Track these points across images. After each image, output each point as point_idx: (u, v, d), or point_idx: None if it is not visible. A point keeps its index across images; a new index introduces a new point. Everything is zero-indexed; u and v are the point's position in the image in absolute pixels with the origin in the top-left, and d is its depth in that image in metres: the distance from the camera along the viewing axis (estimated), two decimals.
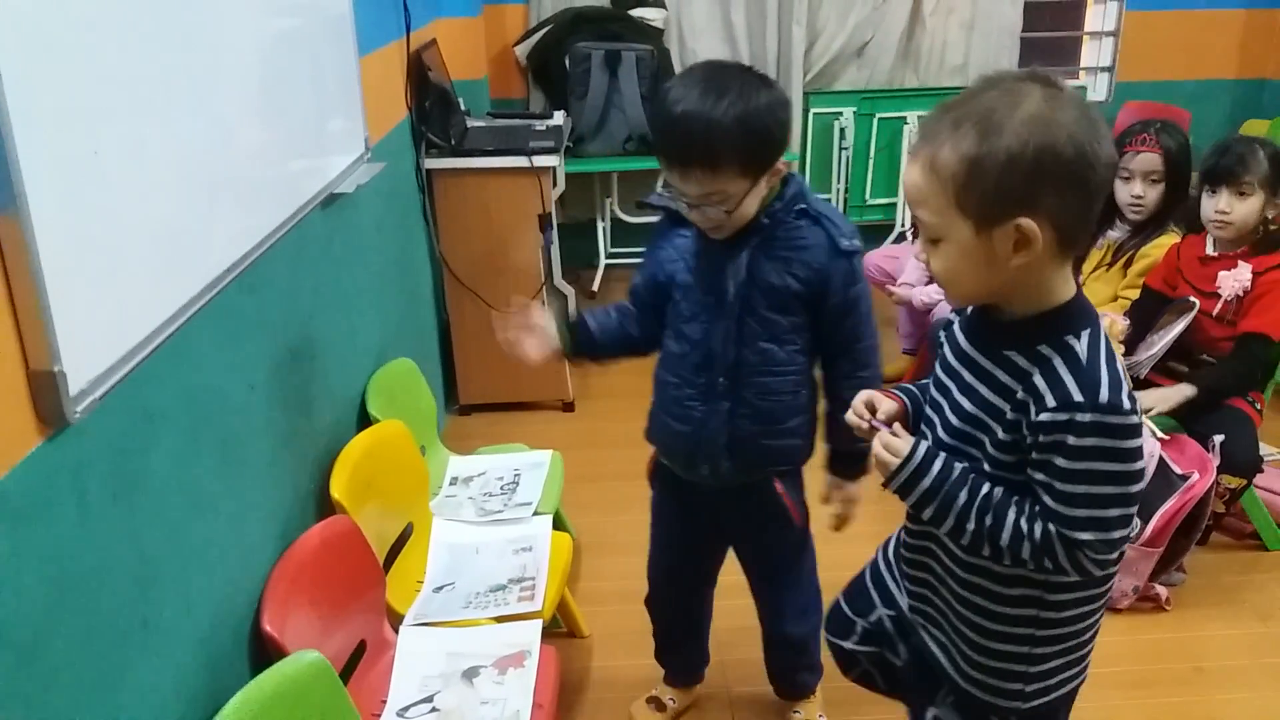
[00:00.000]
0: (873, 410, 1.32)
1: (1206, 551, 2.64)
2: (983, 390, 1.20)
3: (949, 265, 1.14)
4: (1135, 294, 2.69)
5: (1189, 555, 2.53)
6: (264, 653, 1.54)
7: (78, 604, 1.06)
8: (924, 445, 1.24)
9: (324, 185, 2.00)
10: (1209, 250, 2.56)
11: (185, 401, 1.34)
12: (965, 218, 1.09)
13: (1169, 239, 2.70)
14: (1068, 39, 5.15)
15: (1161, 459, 2.41)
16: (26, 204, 0.93)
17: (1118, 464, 1.11)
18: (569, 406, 3.58)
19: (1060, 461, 1.12)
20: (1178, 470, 2.39)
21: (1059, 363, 1.12)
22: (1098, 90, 5.04)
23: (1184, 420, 2.54)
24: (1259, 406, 2.55)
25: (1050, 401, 1.10)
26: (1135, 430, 1.12)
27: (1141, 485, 1.16)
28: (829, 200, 4.26)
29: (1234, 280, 2.45)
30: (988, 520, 1.18)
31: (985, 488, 1.19)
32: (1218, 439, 2.41)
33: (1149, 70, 4.99)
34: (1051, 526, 1.15)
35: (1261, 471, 2.52)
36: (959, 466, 1.22)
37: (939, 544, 1.32)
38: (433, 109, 3.12)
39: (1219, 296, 2.47)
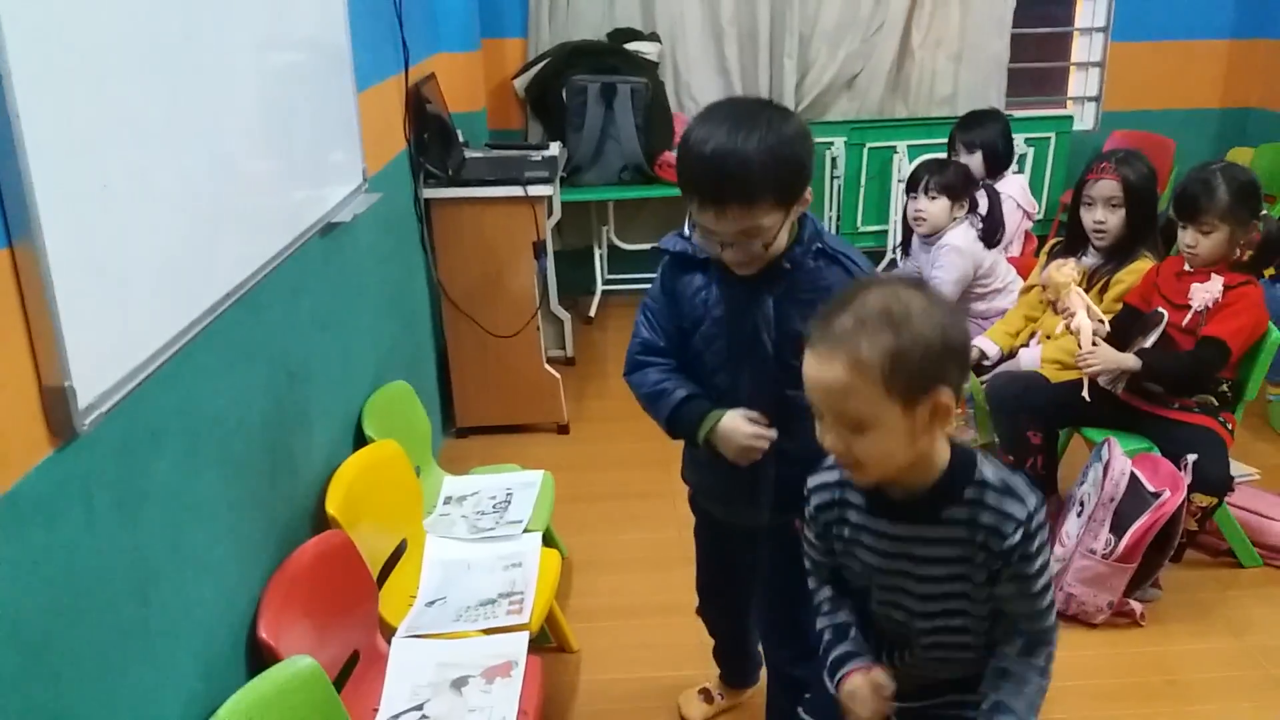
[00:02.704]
0: None
1: (1183, 569, 2.70)
2: (946, 552, 1.33)
3: (879, 447, 1.25)
4: (1110, 317, 2.77)
5: (1164, 572, 2.59)
6: (260, 660, 1.61)
7: (83, 606, 1.14)
8: None
9: (322, 215, 2.09)
10: (1187, 268, 2.64)
11: (186, 418, 1.42)
12: (894, 401, 1.21)
13: (1142, 264, 2.78)
14: (1055, 70, 5.26)
15: (1134, 476, 2.48)
16: (41, 233, 1.02)
17: (1046, 534, 1.33)
18: (564, 429, 3.65)
19: (1029, 568, 1.30)
20: (1150, 488, 2.46)
21: (990, 495, 1.30)
22: (1085, 120, 5.14)
23: (1156, 439, 2.61)
24: (1230, 427, 2.61)
25: (1007, 528, 1.28)
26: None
27: None
28: None
29: (1205, 292, 2.52)
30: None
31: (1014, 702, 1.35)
32: (1190, 458, 2.48)
33: (1135, 100, 5.09)
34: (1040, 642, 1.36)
35: (1232, 490, 2.58)
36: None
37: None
38: (431, 140, 3.23)
39: (1190, 308, 2.55)
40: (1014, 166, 3.99)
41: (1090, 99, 5.15)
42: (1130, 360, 2.56)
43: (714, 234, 1.52)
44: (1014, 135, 3.90)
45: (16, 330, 1.02)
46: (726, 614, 2.09)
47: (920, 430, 1.24)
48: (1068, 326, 2.67)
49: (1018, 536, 1.28)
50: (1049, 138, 4.80)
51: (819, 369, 1.24)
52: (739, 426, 1.60)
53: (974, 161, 3.68)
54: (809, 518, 1.47)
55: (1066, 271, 2.75)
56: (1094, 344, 2.58)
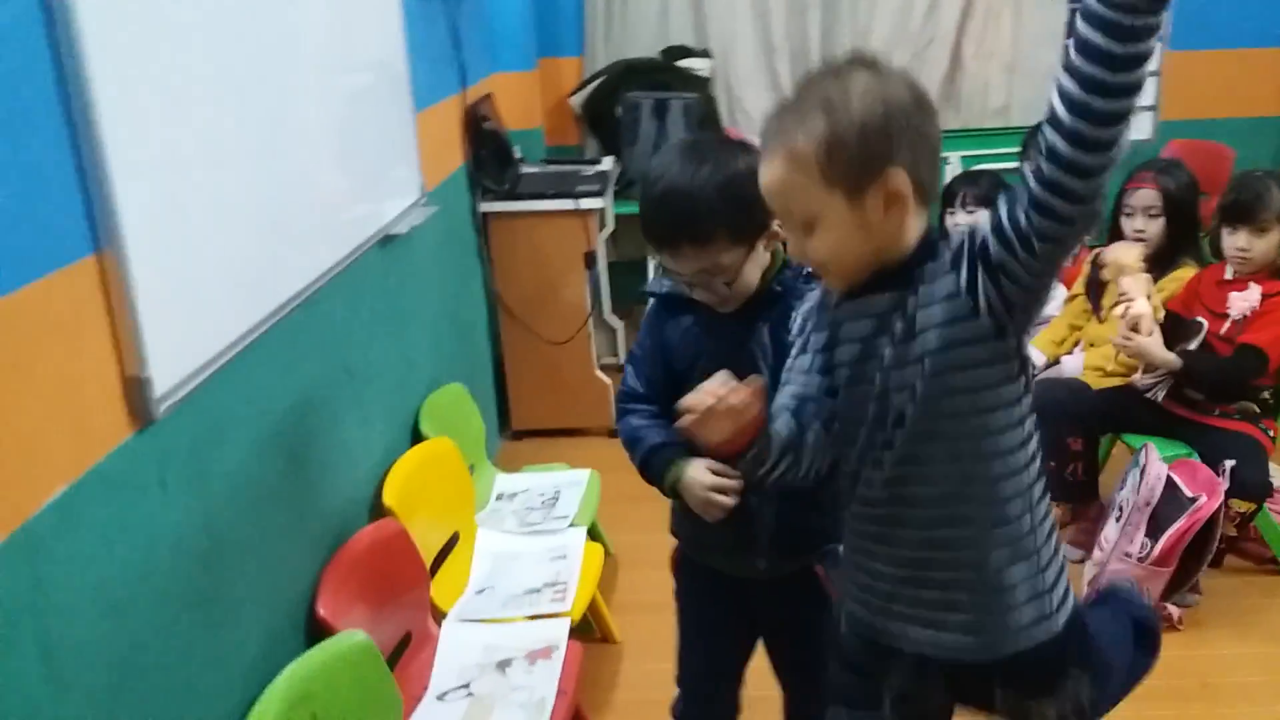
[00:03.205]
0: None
1: (1224, 575, 2.71)
2: (864, 324, 1.22)
3: (831, 245, 1.17)
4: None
5: (1204, 578, 2.60)
6: (317, 636, 1.74)
7: (159, 573, 1.28)
8: None
9: (380, 227, 2.24)
10: (1227, 275, 2.66)
11: (252, 408, 1.57)
12: (836, 190, 1.13)
13: (1184, 273, 2.81)
14: None
15: (1171, 480, 2.50)
16: (125, 243, 1.17)
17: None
18: (614, 433, 3.76)
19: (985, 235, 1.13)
20: (1188, 493, 2.48)
21: (942, 246, 1.19)
22: (1141, 129, 5.10)
23: (1196, 445, 2.63)
24: (1271, 434, 2.62)
25: (960, 245, 1.15)
26: None
27: None
28: None
29: (1243, 300, 2.55)
30: None
31: None
32: (1229, 463, 2.49)
33: (1193, 109, 5.04)
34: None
35: (1272, 496, 2.59)
36: None
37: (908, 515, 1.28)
38: (488, 157, 3.38)
39: (1229, 317, 2.57)
40: None
41: (1147, 108, 5.11)
42: (1171, 357, 2.58)
43: (677, 274, 1.48)
44: None
45: (102, 327, 1.17)
46: (717, 695, 1.83)
47: (875, 221, 1.15)
48: (1126, 311, 2.66)
49: (964, 241, 1.14)
50: None
51: (763, 172, 1.19)
52: (698, 478, 1.48)
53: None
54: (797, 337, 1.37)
55: (1134, 253, 2.75)
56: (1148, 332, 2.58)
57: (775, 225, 1.45)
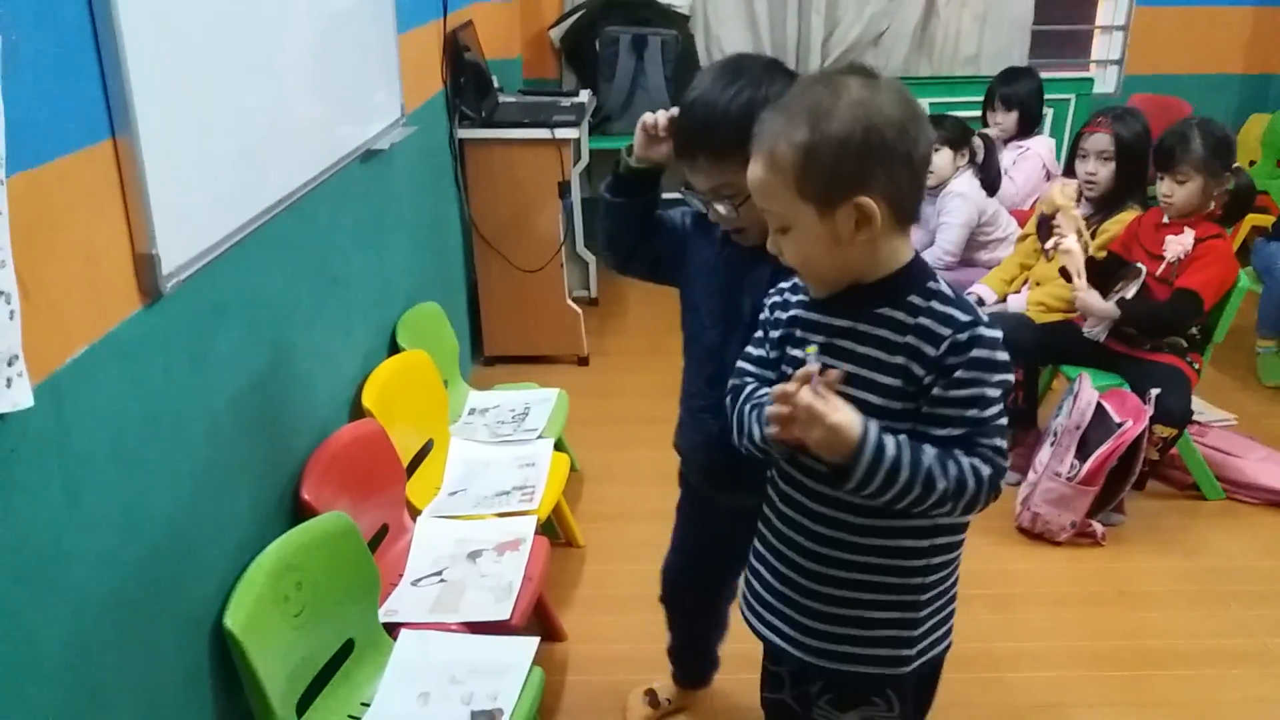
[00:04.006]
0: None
1: (1148, 498, 2.91)
2: (862, 349, 1.25)
3: (801, 251, 1.22)
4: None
5: (1129, 500, 2.81)
6: (302, 518, 1.88)
7: (162, 439, 1.41)
8: (871, 426, 1.20)
9: (363, 142, 2.34)
10: (1165, 220, 2.81)
11: (245, 299, 1.68)
12: (807, 202, 1.17)
13: (1127, 215, 2.96)
14: (1078, 32, 5.36)
15: (1101, 406, 2.69)
16: (138, 129, 1.28)
17: (1002, 373, 1.23)
18: (584, 361, 3.91)
19: (961, 374, 1.19)
20: (1116, 418, 2.66)
21: (936, 303, 1.22)
22: (1106, 83, 5.25)
23: (1128, 376, 2.81)
24: (1197, 367, 2.80)
25: (946, 331, 1.19)
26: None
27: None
28: None
29: (1177, 244, 2.71)
30: (934, 475, 1.20)
31: (916, 447, 1.21)
32: (1154, 391, 2.68)
33: (1158, 64, 5.19)
34: (971, 460, 1.21)
35: (1192, 423, 2.78)
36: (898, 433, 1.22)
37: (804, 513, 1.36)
38: (467, 84, 3.46)
39: (1164, 259, 2.73)
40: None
41: (1113, 62, 5.25)
42: (1110, 307, 2.75)
43: (694, 191, 1.50)
44: None
45: (116, 206, 1.28)
46: (694, 602, 1.99)
47: (845, 239, 1.17)
48: (1056, 245, 2.84)
49: (961, 337, 1.19)
50: (1069, 99, 4.92)
51: (750, 167, 1.22)
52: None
53: (1010, 119, 3.84)
54: (763, 320, 1.41)
55: (1069, 192, 2.92)
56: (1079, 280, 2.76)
57: None
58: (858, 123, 1.13)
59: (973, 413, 1.21)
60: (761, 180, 1.20)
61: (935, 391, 1.21)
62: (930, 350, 1.20)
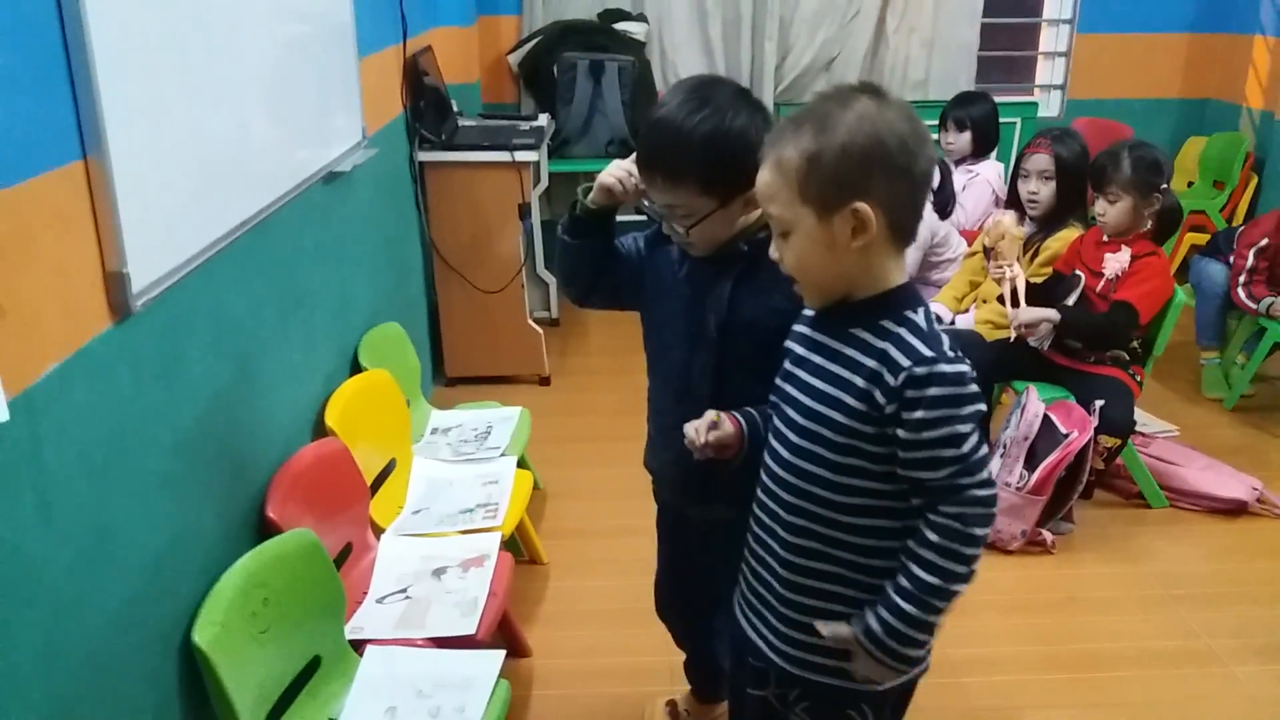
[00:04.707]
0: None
1: (1095, 508, 3.00)
2: (833, 368, 1.28)
3: (799, 255, 1.25)
4: (1038, 280, 3.05)
5: (1077, 509, 2.89)
6: (267, 535, 1.89)
7: (130, 451, 1.42)
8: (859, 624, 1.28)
9: (325, 164, 2.37)
10: (1104, 238, 2.92)
11: (211, 319, 1.70)
12: (808, 207, 1.20)
13: (1069, 233, 3.07)
14: (1022, 58, 5.53)
15: (1048, 419, 2.78)
16: (109, 150, 1.31)
17: (971, 405, 1.22)
18: (545, 381, 3.94)
19: (925, 414, 1.20)
20: (1062, 430, 2.75)
21: (905, 332, 1.23)
22: (1050, 107, 5.41)
23: (1073, 389, 2.90)
24: (1139, 379, 2.90)
25: (905, 362, 1.20)
26: (974, 381, 1.24)
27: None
28: None
29: (1115, 261, 2.82)
30: (930, 582, 1.23)
31: (905, 573, 1.25)
32: (1098, 403, 2.77)
33: (1099, 89, 5.36)
34: (945, 519, 1.22)
35: (1135, 434, 2.88)
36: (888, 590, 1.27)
37: (770, 531, 1.39)
38: (426, 107, 3.50)
39: (1104, 275, 2.84)
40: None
41: (1056, 87, 5.42)
42: (1050, 312, 2.84)
43: (650, 202, 1.52)
44: None
45: (87, 224, 1.30)
46: (686, 617, 2.00)
47: (841, 245, 1.21)
48: (1000, 272, 2.92)
49: (919, 371, 1.19)
50: (1015, 123, 5.06)
51: (759, 173, 1.25)
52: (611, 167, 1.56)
53: (962, 140, 3.93)
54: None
55: (1016, 224, 2.99)
56: (1019, 304, 2.86)
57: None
58: (861, 132, 1.18)
59: (950, 452, 1.21)
60: (767, 184, 1.24)
61: (904, 434, 1.22)
62: (890, 379, 1.22)
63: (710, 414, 1.45)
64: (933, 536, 1.23)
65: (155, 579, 1.49)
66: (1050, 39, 5.44)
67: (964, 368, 1.22)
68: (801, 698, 1.44)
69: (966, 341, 3.08)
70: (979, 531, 1.24)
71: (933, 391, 1.19)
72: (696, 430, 1.44)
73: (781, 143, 1.22)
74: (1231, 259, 3.71)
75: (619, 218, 1.65)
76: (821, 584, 1.34)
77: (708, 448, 1.44)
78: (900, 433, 1.22)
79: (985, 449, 1.25)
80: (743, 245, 1.53)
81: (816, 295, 1.30)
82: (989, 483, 1.25)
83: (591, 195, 1.59)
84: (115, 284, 1.34)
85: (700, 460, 1.47)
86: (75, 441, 1.26)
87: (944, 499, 1.23)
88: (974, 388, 1.23)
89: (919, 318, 1.25)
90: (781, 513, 1.36)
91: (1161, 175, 2.81)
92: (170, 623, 1.52)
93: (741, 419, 1.47)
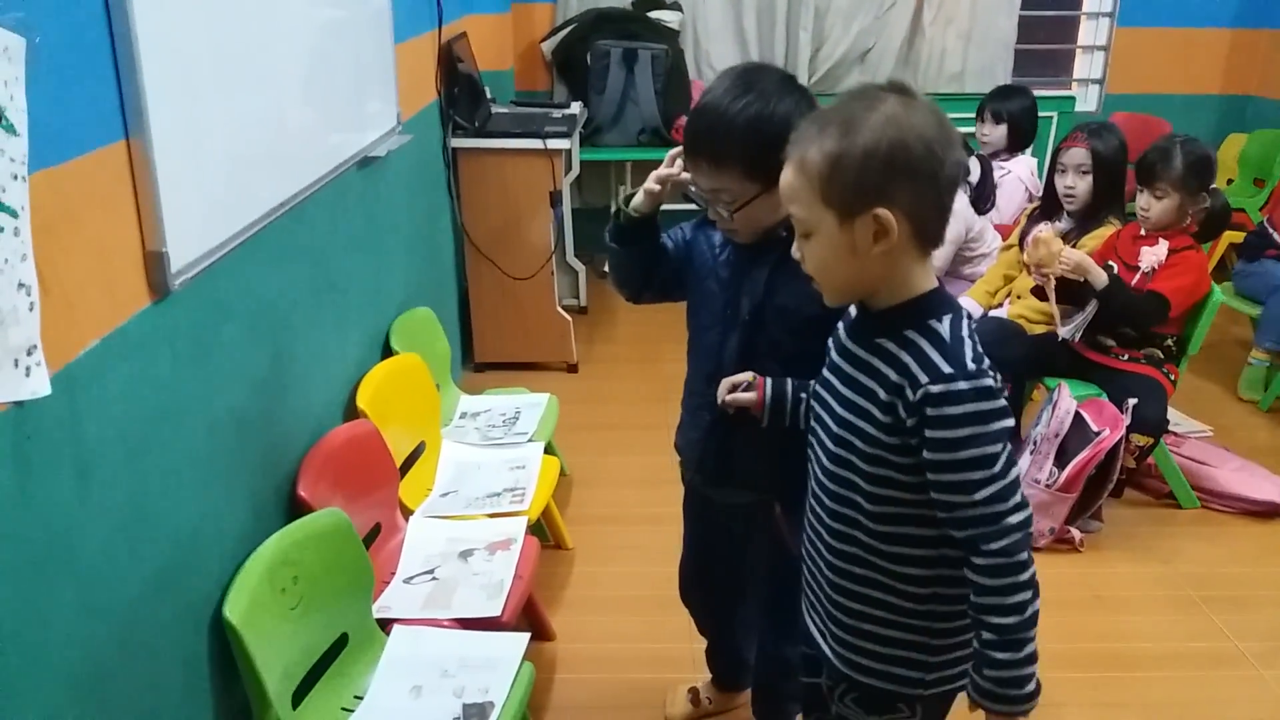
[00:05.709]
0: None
1: (1125, 507, 2.98)
2: (861, 378, 1.27)
3: (819, 256, 1.23)
4: (1073, 278, 3.01)
5: (1107, 508, 2.87)
6: (298, 515, 1.92)
7: (167, 428, 1.45)
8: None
9: (360, 149, 2.39)
10: (1142, 232, 2.89)
11: (247, 300, 1.73)
12: (830, 209, 1.18)
13: (1105, 230, 3.03)
14: (1061, 51, 5.46)
15: (1080, 416, 2.75)
16: (150, 132, 1.33)
17: (998, 422, 1.19)
18: (573, 368, 3.96)
19: (944, 434, 1.18)
20: (1094, 427, 2.72)
21: (926, 344, 1.20)
22: (1088, 101, 5.35)
23: (1105, 387, 2.87)
24: (1173, 378, 2.87)
25: (924, 378, 1.18)
26: (999, 393, 1.21)
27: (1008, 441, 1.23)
28: None
29: (1152, 255, 2.78)
30: (1006, 624, 1.23)
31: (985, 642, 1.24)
32: (1131, 401, 2.74)
33: (1138, 84, 5.30)
34: (989, 558, 1.20)
35: (1167, 433, 2.85)
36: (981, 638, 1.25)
37: (825, 533, 1.37)
38: (460, 94, 3.51)
39: (1139, 269, 2.81)
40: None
41: (1094, 81, 5.36)
42: (1102, 274, 2.75)
43: (695, 186, 1.55)
44: None
45: (128, 204, 1.32)
46: (708, 602, 2.03)
47: (863, 250, 1.19)
48: (1041, 289, 2.88)
49: (934, 389, 1.17)
50: (1052, 117, 5.01)
51: (783, 172, 1.24)
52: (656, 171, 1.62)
53: (998, 133, 3.89)
54: None
55: (1059, 246, 2.92)
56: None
57: None
58: (886, 136, 1.15)
59: (979, 475, 1.18)
60: (790, 184, 1.23)
61: (929, 455, 1.19)
62: (910, 393, 1.20)
63: (748, 375, 1.53)
64: (987, 581, 1.21)
65: (188, 554, 1.51)
66: (1089, 32, 5.37)
67: (986, 382, 1.19)
68: (850, 690, 1.44)
69: (1008, 331, 3.05)
70: (1025, 556, 1.22)
71: (950, 410, 1.17)
72: (732, 383, 1.52)
73: (805, 143, 1.20)
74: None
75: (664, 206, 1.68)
76: (865, 589, 1.34)
77: (732, 404, 1.53)
78: (926, 454, 1.20)
79: (1016, 468, 1.22)
80: (783, 231, 1.52)
81: (835, 296, 1.29)
82: (1023, 505, 1.22)
83: (634, 202, 1.65)
84: (154, 263, 1.36)
85: (724, 413, 1.56)
86: (114, 417, 1.29)
87: (983, 536, 1.19)
88: (1000, 402, 1.20)
89: (943, 327, 1.22)
90: (826, 518, 1.36)
91: (1212, 175, 2.78)
92: (202, 597, 1.55)
93: (769, 388, 1.53)
